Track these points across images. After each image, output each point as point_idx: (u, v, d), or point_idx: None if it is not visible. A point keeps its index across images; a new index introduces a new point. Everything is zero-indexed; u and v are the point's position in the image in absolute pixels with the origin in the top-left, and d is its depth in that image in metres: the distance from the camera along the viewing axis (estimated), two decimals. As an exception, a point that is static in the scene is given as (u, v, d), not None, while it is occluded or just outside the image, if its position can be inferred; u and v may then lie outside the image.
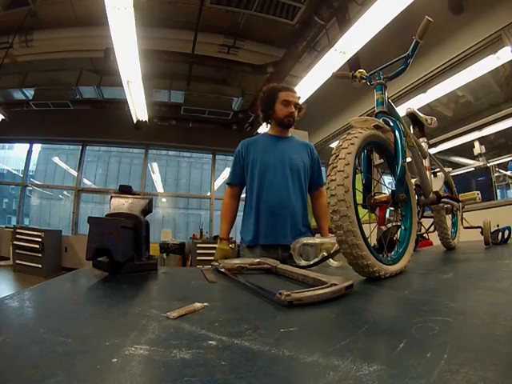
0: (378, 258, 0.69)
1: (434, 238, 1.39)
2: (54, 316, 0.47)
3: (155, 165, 7.74)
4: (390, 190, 0.79)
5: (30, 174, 7.32)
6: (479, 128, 3.31)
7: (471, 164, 3.72)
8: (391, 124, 0.83)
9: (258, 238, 1.51)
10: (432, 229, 1.31)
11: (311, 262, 0.93)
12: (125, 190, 0.97)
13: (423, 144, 1.23)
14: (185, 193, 7.86)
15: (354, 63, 3.55)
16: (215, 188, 7.17)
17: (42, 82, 5.83)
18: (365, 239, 0.66)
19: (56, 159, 7.65)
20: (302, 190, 1.57)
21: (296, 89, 1.51)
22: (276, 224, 1.49)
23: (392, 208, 0.84)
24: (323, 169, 1.76)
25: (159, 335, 0.38)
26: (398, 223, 0.89)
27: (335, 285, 0.55)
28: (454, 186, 1.37)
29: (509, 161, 3.29)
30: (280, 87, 1.60)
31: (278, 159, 1.55)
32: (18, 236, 5.46)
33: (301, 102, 1.62)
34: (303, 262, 0.98)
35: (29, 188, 7.21)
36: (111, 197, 0.92)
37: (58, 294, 0.64)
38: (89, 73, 5.62)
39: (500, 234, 1.29)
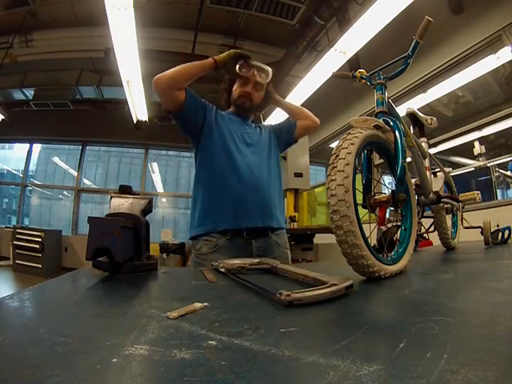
0: (378, 258, 0.69)
1: (434, 237, 1.39)
2: (53, 316, 0.47)
3: (155, 165, 7.74)
4: (390, 190, 0.79)
5: (30, 174, 7.33)
6: (479, 128, 3.31)
7: (471, 164, 3.73)
8: (391, 124, 0.83)
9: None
10: (432, 229, 1.30)
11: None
12: (125, 190, 0.97)
13: (423, 144, 1.23)
14: (185, 193, 7.86)
15: (353, 63, 3.55)
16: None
17: (41, 82, 5.84)
18: (365, 239, 0.66)
19: (56, 159, 7.67)
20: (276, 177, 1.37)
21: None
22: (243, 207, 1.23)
23: (392, 208, 0.84)
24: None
25: (159, 335, 0.38)
26: (398, 223, 0.89)
27: (335, 285, 0.54)
28: (454, 186, 1.37)
29: (509, 161, 3.29)
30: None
31: (247, 139, 1.33)
32: (18, 236, 5.47)
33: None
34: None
35: (29, 188, 7.22)
36: (111, 197, 0.92)
37: (58, 294, 0.63)
38: (89, 73, 5.63)
39: (500, 233, 1.29)
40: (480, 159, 3.45)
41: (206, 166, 1.30)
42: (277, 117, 4.73)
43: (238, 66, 1.25)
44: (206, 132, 1.29)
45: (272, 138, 1.43)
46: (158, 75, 1.17)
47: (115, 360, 0.31)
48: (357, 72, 0.99)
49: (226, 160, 1.25)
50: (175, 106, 1.22)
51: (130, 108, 5.17)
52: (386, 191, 0.83)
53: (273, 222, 1.28)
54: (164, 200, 7.77)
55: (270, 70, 1.32)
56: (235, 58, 1.25)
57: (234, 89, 1.36)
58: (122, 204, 0.89)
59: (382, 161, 0.91)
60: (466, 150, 3.89)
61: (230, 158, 1.26)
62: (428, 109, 4.03)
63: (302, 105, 1.54)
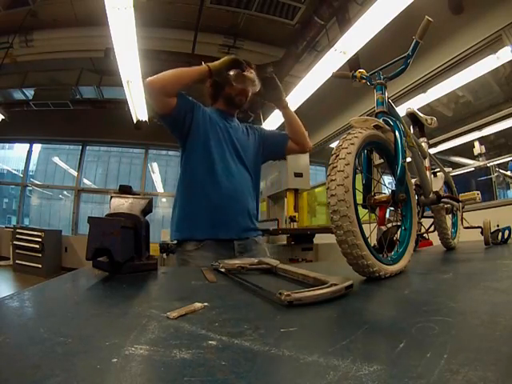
0: (378, 258, 0.69)
1: (434, 237, 1.39)
2: (53, 316, 0.47)
3: (155, 165, 7.74)
4: (390, 190, 0.79)
5: (30, 174, 7.34)
6: (479, 128, 3.31)
7: (471, 164, 3.72)
8: (391, 124, 0.83)
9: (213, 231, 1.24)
10: (432, 229, 1.30)
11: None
12: (125, 190, 0.97)
13: (423, 144, 1.23)
14: (185, 193, 7.85)
15: (354, 63, 3.54)
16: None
17: (41, 82, 5.84)
18: (365, 239, 0.66)
19: (56, 159, 7.67)
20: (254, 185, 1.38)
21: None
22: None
23: (392, 208, 0.84)
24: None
25: (159, 335, 0.38)
26: (398, 223, 0.89)
27: (335, 285, 0.54)
28: (454, 186, 1.37)
29: (509, 161, 3.29)
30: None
31: (230, 143, 1.32)
32: (18, 236, 5.48)
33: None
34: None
35: (29, 188, 7.22)
36: (111, 197, 0.92)
37: (58, 294, 0.64)
38: (89, 73, 5.63)
39: (500, 233, 1.29)
40: (480, 159, 3.45)
41: (188, 169, 1.30)
42: (276, 118, 4.74)
43: (232, 75, 1.25)
44: (193, 133, 1.29)
45: (258, 143, 1.44)
46: (151, 78, 1.17)
47: (115, 360, 0.31)
48: (357, 72, 0.99)
49: (207, 165, 1.25)
50: (165, 109, 1.23)
51: (130, 108, 5.17)
52: (386, 191, 0.83)
53: (248, 234, 1.32)
54: (164, 200, 7.76)
55: (258, 81, 1.31)
56: (230, 65, 1.25)
57: (229, 85, 1.32)
58: (122, 204, 0.89)
59: (382, 161, 0.91)
60: (466, 150, 3.88)
61: (211, 163, 1.25)
62: (428, 109, 4.03)
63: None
